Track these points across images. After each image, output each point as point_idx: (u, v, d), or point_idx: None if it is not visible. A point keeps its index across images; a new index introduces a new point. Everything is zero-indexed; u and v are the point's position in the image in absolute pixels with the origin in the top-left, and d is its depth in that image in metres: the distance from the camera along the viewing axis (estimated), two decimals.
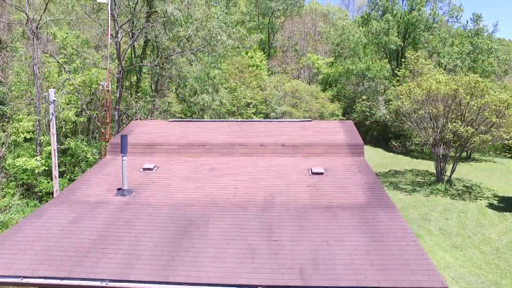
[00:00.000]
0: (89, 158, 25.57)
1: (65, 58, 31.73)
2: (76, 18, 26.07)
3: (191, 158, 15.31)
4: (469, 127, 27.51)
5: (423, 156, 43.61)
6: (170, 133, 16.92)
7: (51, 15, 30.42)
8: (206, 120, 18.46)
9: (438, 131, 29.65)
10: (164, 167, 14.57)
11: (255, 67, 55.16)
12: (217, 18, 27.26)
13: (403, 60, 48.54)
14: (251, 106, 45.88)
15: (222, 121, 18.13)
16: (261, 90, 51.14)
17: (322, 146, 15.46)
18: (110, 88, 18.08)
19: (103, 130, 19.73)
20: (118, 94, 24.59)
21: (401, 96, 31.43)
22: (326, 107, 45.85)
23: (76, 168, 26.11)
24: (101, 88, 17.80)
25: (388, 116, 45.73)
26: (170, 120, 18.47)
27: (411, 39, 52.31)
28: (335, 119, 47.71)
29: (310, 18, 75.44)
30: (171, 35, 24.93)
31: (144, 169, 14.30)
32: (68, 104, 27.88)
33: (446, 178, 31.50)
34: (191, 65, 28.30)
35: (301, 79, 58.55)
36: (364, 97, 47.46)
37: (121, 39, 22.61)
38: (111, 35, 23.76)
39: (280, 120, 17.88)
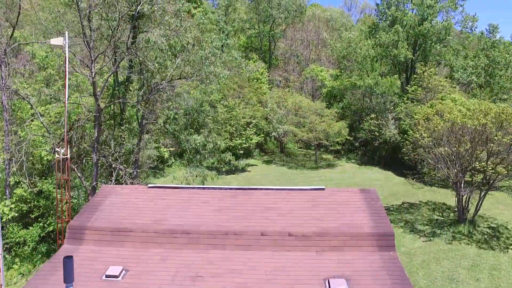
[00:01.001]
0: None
1: (42, 84, 28.12)
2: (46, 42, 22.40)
3: (171, 253, 11.71)
4: (499, 167, 23.89)
5: (437, 182, 39.97)
6: (147, 209, 13.32)
7: (22, 38, 26.82)
8: (192, 187, 14.80)
9: (462, 169, 26.02)
10: (135, 271, 10.97)
11: (256, 80, 51.49)
12: (211, 42, 23.55)
13: (414, 76, 44.83)
14: (251, 126, 42.22)
15: (213, 188, 14.50)
16: (261, 105, 47.56)
17: (340, 236, 11.85)
18: (69, 155, 14.40)
19: (60, 208, 15.65)
20: (96, 134, 21.00)
21: (419, 128, 27.71)
22: (332, 127, 42.19)
23: (50, 218, 22.50)
24: (56, 157, 14.03)
25: (398, 137, 42.13)
26: (149, 185, 14.86)
27: (421, 51, 48.55)
28: (341, 141, 44.11)
29: (312, 24, 71.58)
30: (156, 65, 21.32)
31: (108, 276, 10.70)
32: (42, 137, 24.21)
33: (468, 217, 27.89)
34: (180, 97, 24.71)
35: (304, 92, 54.87)
36: (372, 115, 43.76)
37: (94, 75, 18.96)
38: (87, 65, 20.17)
39: (285, 188, 14.21)
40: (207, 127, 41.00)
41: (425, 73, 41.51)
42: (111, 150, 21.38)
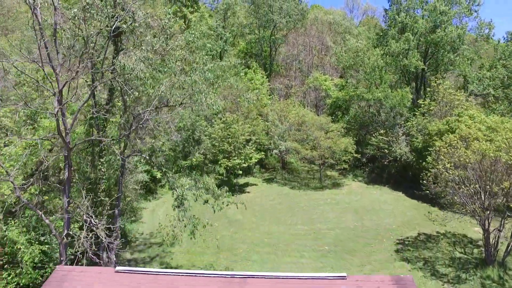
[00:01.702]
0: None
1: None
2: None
3: None
4: None
5: (452, 206, 36.38)
6: None
7: None
8: (172, 272, 11.20)
9: (493, 207, 22.46)
10: None
11: (256, 90, 47.79)
12: (203, 63, 19.93)
13: (428, 89, 41.24)
14: (250, 143, 38.60)
15: (199, 275, 10.92)
16: (262, 118, 43.94)
17: None
18: None
19: None
20: (66, 174, 17.41)
21: (442, 157, 24.08)
22: (338, 144, 38.57)
23: (7, 273, 18.83)
24: None
25: (409, 155, 38.54)
26: (116, 269, 11.29)
27: (433, 60, 44.91)
28: (348, 159, 40.47)
29: (315, 28, 67.78)
30: (136, 93, 17.74)
31: None
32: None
33: (498, 258, 24.34)
34: (168, 126, 21.06)
35: (306, 101, 51.24)
36: (381, 131, 40.12)
37: (57, 110, 15.33)
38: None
39: (294, 276, 10.61)
40: (202, 144, 37.48)
41: (440, 86, 37.87)
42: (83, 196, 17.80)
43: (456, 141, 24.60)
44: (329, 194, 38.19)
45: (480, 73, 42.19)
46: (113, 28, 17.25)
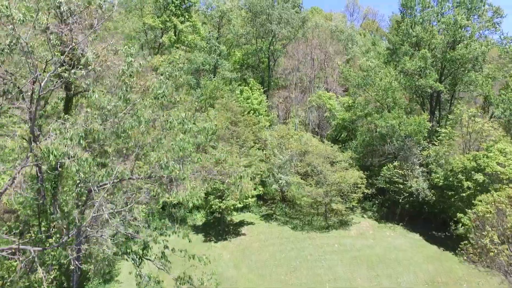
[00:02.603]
0: None
1: None
2: None
3: None
4: None
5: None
6: None
7: None
8: None
9: None
10: None
11: (253, 111, 42.32)
12: (190, 122, 14.56)
13: (450, 116, 35.89)
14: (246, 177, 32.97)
15: None
16: (259, 143, 38.49)
17: None
18: None
19: None
20: None
21: (489, 228, 18.70)
22: (347, 179, 33.17)
23: None
24: None
25: (428, 192, 33.20)
26: None
27: (451, 79, 39.51)
28: (359, 197, 35.07)
29: (316, 35, 62.07)
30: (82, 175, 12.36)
31: None
32: None
33: None
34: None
35: (308, 120, 45.73)
36: (395, 162, 34.72)
37: None
38: None
39: None
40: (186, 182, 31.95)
41: (464, 114, 32.48)
42: None
43: (504, 204, 19.23)
44: (336, 237, 32.82)
45: (505, 95, 36.82)
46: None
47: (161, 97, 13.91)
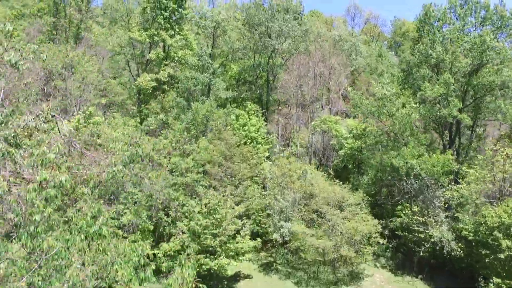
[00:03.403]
0: None
1: None
2: None
3: None
4: None
5: None
6: None
7: None
8: None
9: None
10: None
11: (250, 140, 37.05)
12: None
13: (477, 157, 30.80)
14: (243, 230, 27.93)
15: None
16: (258, 179, 33.34)
17: None
18: None
19: None
20: None
21: None
22: (360, 229, 28.02)
23: None
24: None
25: (454, 245, 28.07)
26: None
27: (473, 105, 34.43)
28: (374, 250, 29.94)
29: (318, 45, 56.68)
30: None
31: None
32: None
33: None
34: None
35: (313, 145, 40.48)
36: (414, 208, 29.56)
37: None
38: None
39: None
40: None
41: (498, 155, 27.34)
42: None
43: None
44: None
45: None
46: None
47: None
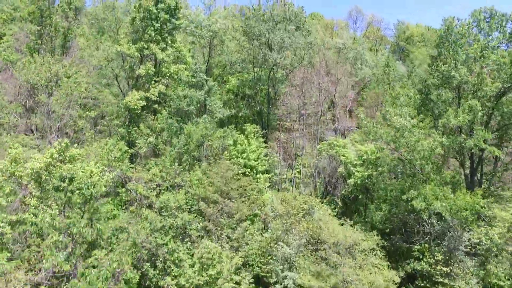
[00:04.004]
0: None
1: None
2: None
3: None
4: None
5: None
6: None
7: None
8: None
9: None
10: None
11: (249, 169, 32.89)
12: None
13: (504, 192, 26.70)
14: (244, 281, 23.84)
15: None
16: (257, 216, 29.27)
17: None
18: None
19: None
20: None
21: None
22: (377, 284, 23.94)
23: None
24: None
25: None
26: None
27: (499, 132, 30.35)
28: None
29: (322, 56, 52.40)
30: None
31: None
32: None
33: None
34: None
35: (319, 171, 36.36)
36: (438, 256, 25.48)
37: None
38: None
39: None
40: None
41: None
42: None
43: None
44: None
45: None
46: None
47: None
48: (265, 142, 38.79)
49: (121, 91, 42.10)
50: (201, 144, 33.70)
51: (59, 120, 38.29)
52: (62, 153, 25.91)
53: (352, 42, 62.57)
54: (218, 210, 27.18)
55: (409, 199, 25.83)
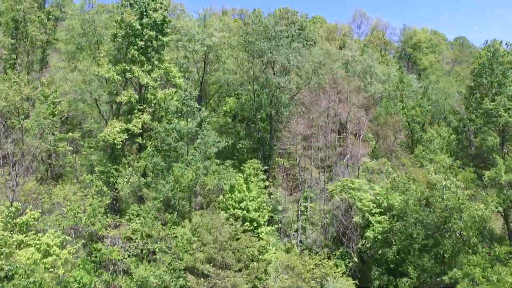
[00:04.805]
0: None
1: None
2: None
3: None
4: None
5: None
6: None
7: None
8: None
9: None
10: None
11: (249, 219, 27.03)
12: None
13: None
14: None
15: None
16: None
17: None
18: None
19: None
20: None
21: None
22: None
23: None
24: None
25: None
26: None
27: None
28: None
29: (328, 70, 46.18)
30: None
31: None
32: None
33: None
34: None
35: (332, 222, 30.50)
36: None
37: None
38: None
39: None
40: None
41: None
42: None
43: None
44: None
45: None
46: None
47: None
48: (267, 176, 32.93)
49: (103, 116, 36.21)
50: (192, 188, 27.88)
51: (30, 153, 32.07)
52: (10, 220, 20.10)
53: (360, 53, 56.46)
54: (210, 287, 21.38)
55: (452, 280, 20.03)
